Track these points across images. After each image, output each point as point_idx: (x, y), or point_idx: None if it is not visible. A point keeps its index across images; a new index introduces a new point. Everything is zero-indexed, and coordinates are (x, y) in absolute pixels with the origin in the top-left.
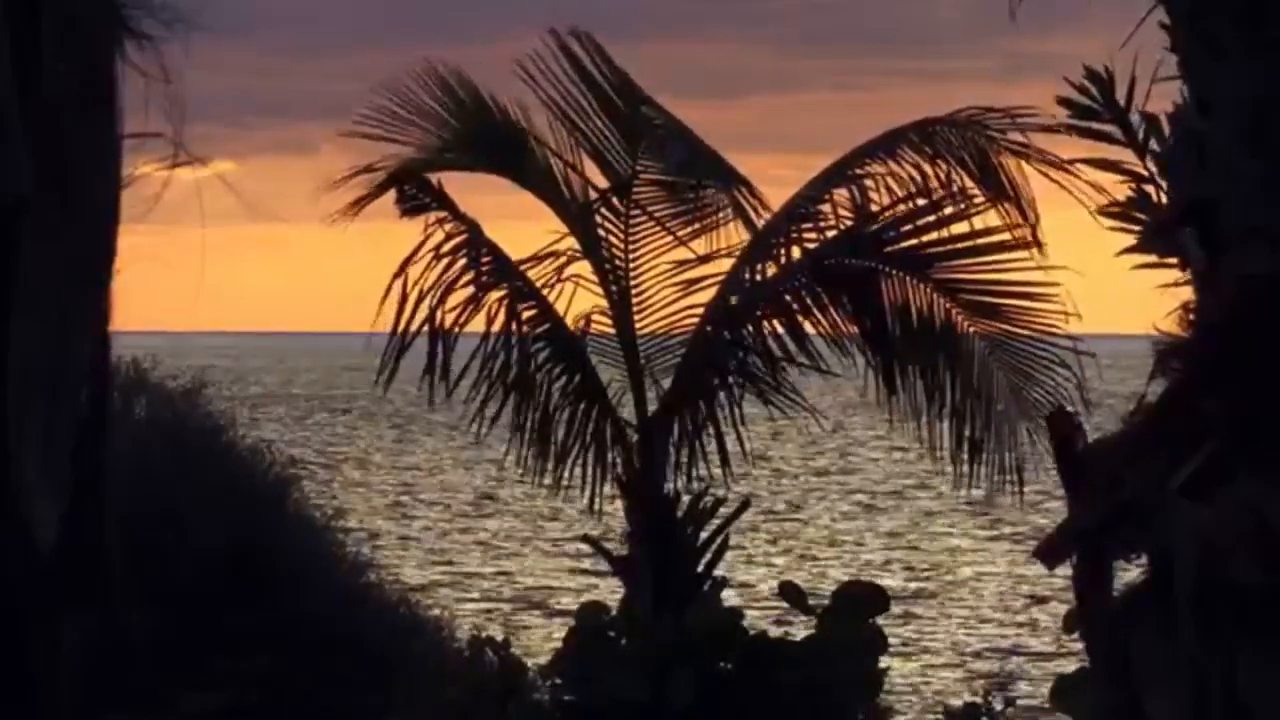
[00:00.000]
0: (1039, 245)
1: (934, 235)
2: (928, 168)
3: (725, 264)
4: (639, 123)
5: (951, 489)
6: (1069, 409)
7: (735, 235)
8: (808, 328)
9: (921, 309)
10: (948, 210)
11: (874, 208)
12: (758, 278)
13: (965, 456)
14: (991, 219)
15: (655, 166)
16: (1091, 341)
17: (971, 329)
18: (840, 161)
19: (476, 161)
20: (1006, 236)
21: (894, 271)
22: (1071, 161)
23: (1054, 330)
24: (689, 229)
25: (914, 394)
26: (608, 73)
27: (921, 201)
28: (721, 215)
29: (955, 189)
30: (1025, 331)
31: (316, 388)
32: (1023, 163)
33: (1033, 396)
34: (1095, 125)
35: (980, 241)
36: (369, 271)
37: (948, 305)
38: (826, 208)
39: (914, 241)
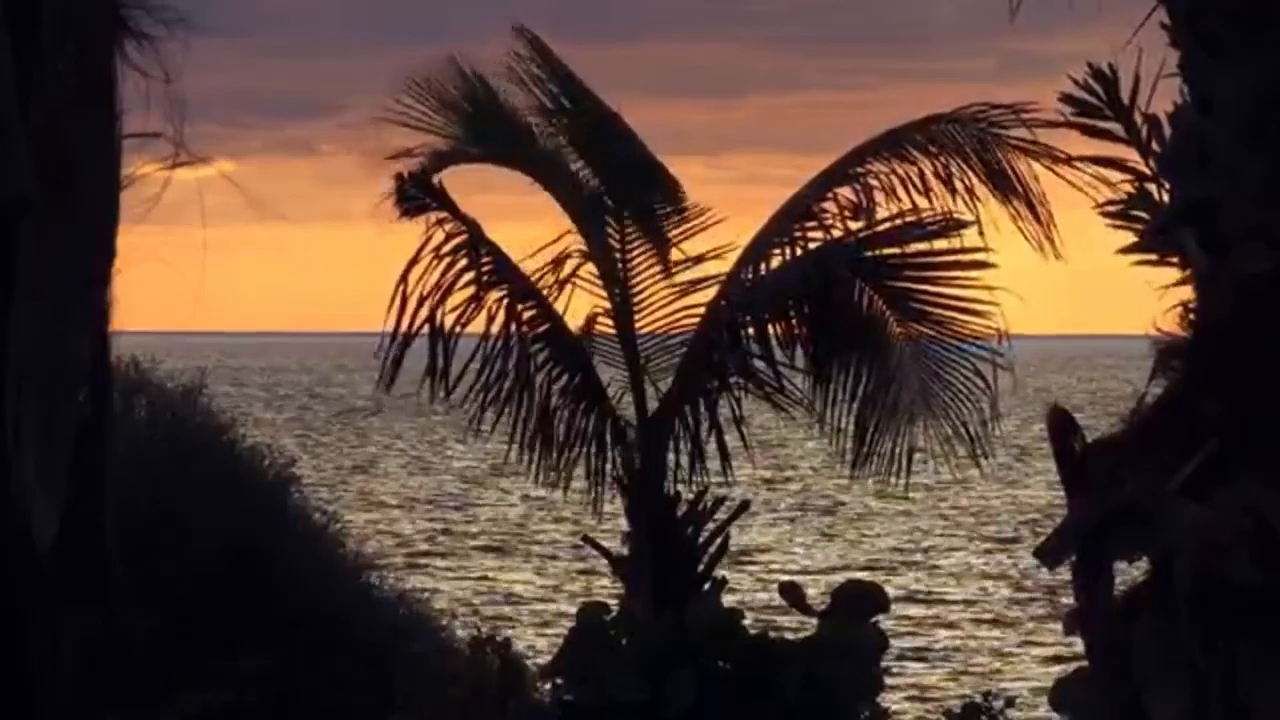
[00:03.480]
0: (1052, 244)
1: (901, 249)
2: (927, 166)
3: (725, 265)
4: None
5: (849, 473)
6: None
7: (728, 236)
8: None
9: (860, 308)
10: (931, 227)
11: (882, 209)
12: (759, 277)
13: (865, 445)
14: (967, 238)
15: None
16: (1091, 341)
17: (900, 331)
18: (841, 160)
19: (496, 155)
20: (977, 257)
21: (855, 279)
22: (1075, 159)
23: (980, 339)
24: (678, 230)
25: (841, 384)
26: (549, 73)
27: (907, 218)
28: (712, 217)
29: (961, 187)
30: (953, 339)
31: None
32: (1031, 161)
33: (943, 397)
34: (1099, 123)
35: (941, 259)
36: (369, 272)
37: (883, 307)
38: (830, 206)
39: (886, 252)
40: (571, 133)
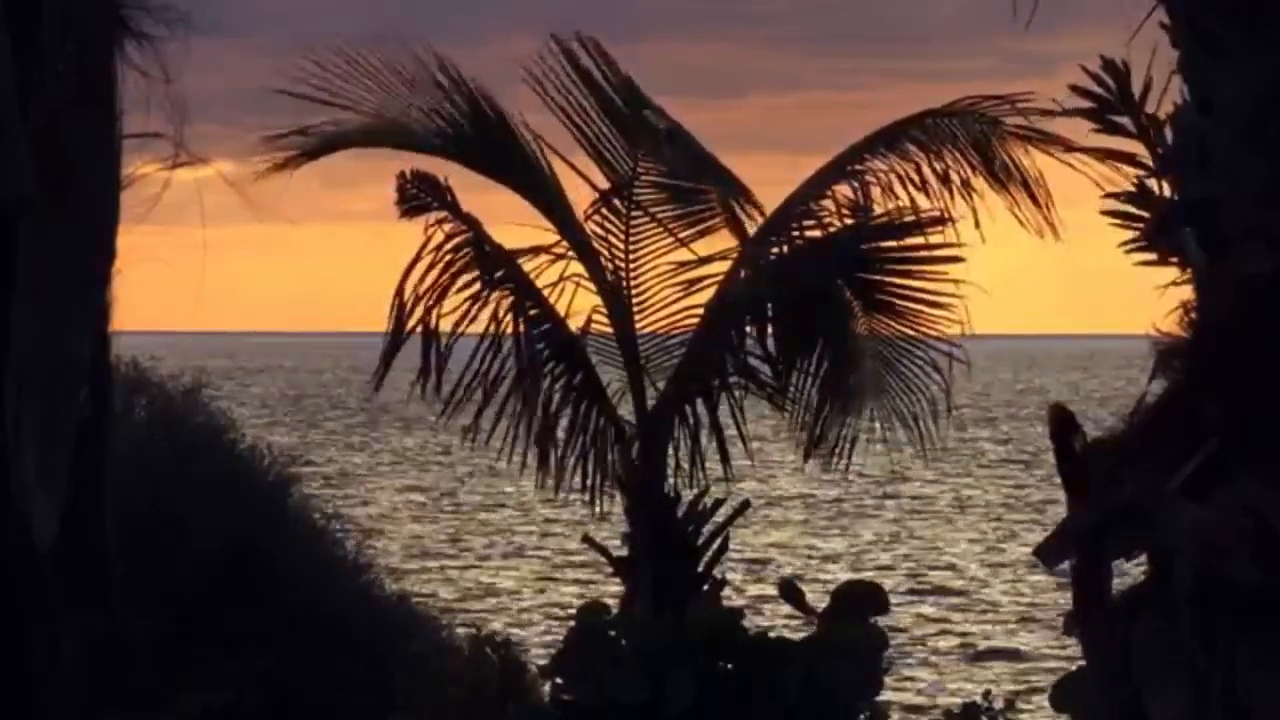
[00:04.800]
0: (1052, 228)
1: (876, 245)
2: (924, 162)
3: (726, 264)
4: (642, 126)
5: (798, 452)
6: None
7: (735, 236)
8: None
9: (824, 297)
10: (911, 222)
11: (879, 205)
12: (757, 275)
13: (816, 429)
14: (948, 234)
15: (656, 168)
16: (1091, 342)
17: (863, 321)
18: (840, 157)
19: (450, 150)
20: (955, 251)
21: (835, 276)
22: (1080, 149)
23: (940, 335)
24: (690, 230)
25: (803, 369)
26: (610, 75)
27: (890, 217)
28: (722, 217)
29: (957, 180)
30: (913, 333)
31: None
32: (1029, 147)
33: (894, 387)
34: (1110, 116)
35: (911, 253)
36: (370, 271)
37: (849, 297)
38: (828, 204)
39: (865, 248)
40: (597, 132)
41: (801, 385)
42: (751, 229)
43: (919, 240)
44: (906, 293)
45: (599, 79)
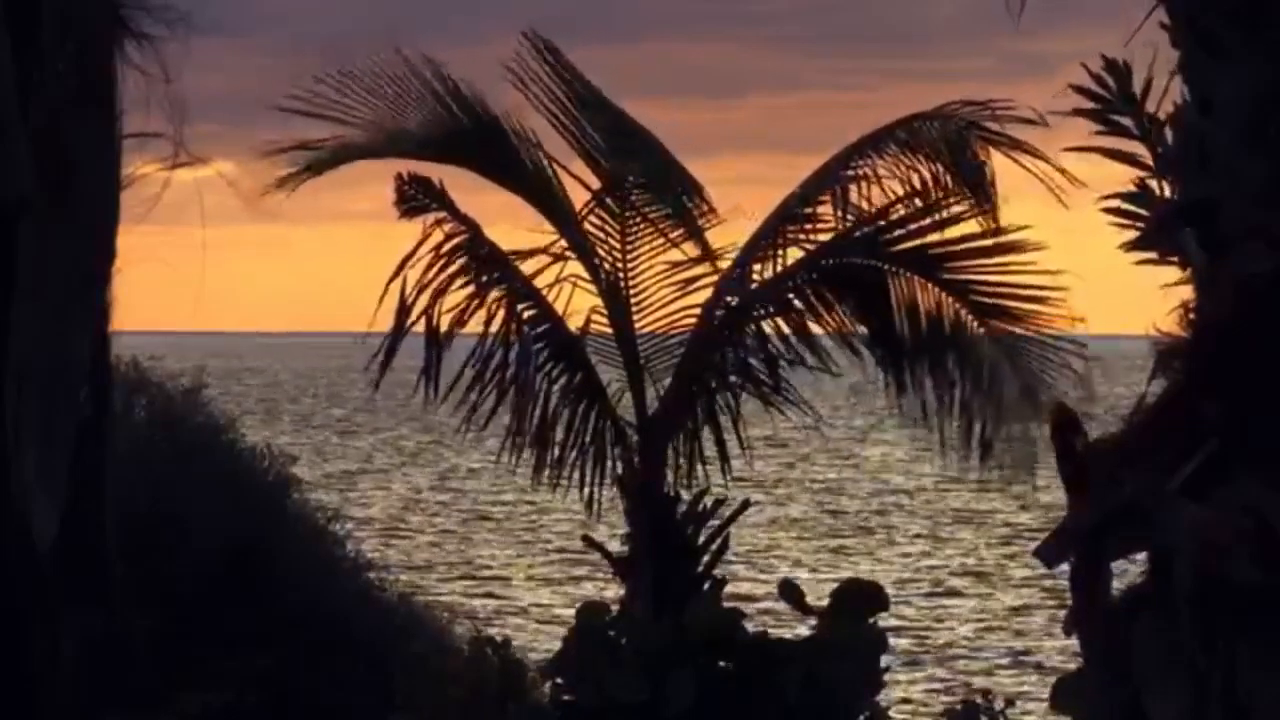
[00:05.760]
0: (996, 224)
1: (939, 235)
2: (920, 166)
3: (723, 264)
4: (602, 124)
5: (962, 484)
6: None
7: (729, 236)
8: (814, 328)
9: (930, 309)
10: (950, 211)
11: (867, 205)
12: (755, 278)
13: (976, 454)
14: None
15: (631, 168)
16: (1091, 342)
17: (981, 330)
18: (832, 160)
19: (447, 154)
20: (1017, 237)
21: (900, 271)
22: (1079, 149)
23: (1059, 333)
24: (681, 230)
25: (923, 392)
26: (570, 76)
27: (919, 202)
28: (714, 216)
29: (950, 186)
30: (1032, 334)
31: None
32: (991, 149)
33: (1042, 398)
34: (1113, 117)
35: (985, 243)
36: (370, 271)
37: (956, 305)
38: (822, 208)
39: (918, 242)
40: (579, 134)
41: (943, 403)
42: (710, 231)
43: (979, 228)
44: (999, 289)
45: (570, 78)
